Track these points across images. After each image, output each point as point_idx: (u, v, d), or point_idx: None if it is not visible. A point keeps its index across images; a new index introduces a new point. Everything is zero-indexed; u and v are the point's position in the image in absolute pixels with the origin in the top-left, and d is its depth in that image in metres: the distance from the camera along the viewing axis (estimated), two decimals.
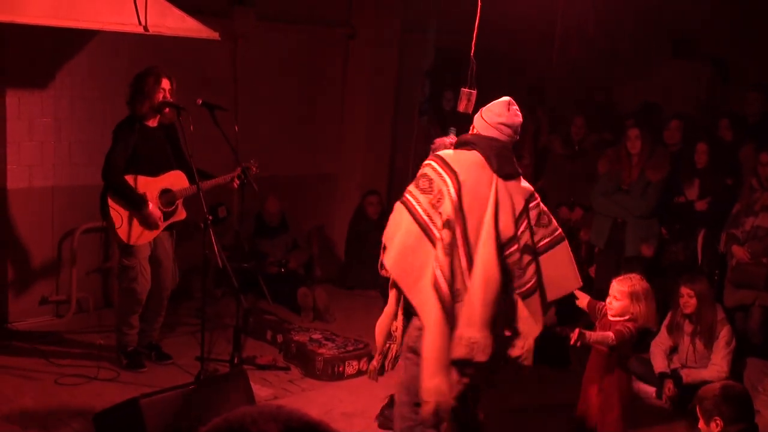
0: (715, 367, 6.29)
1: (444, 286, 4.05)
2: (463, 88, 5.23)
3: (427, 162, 4.27)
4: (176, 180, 6.26)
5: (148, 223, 6.12)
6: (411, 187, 4.19)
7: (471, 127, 4.43)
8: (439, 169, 4.16)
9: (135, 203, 6.04)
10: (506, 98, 4.37)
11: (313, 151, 9.38)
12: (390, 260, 4.16)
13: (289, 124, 9.06)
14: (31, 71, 7.06)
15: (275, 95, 8.83)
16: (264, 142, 8.38)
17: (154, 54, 7.16)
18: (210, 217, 5.81)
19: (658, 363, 6.54)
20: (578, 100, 10.07)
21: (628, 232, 7.36)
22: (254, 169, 6.39)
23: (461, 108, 5.28)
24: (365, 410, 5.86)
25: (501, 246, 4.16)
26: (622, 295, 4.98)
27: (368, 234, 8.46)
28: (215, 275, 7.73)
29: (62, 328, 7.18)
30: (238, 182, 6.29)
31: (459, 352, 4.08)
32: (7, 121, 6.93)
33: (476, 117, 4.40)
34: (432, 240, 4.10)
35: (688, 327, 6.44)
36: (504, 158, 4.25)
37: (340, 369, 6.42)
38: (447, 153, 4.29)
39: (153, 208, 6.09)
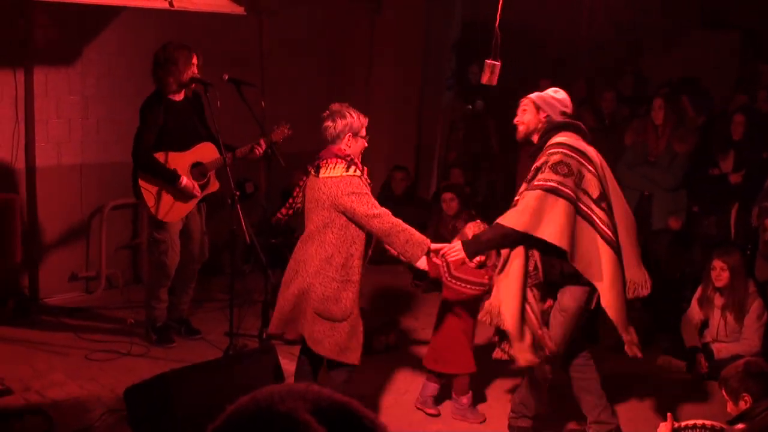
0: (747, 342, 6.24)
1: (611, 238, 4.66)
2: (486, 60, 5.20)
3: (553, 151, 4.69)
4: (206, 152, 6.25)
5: (185, 195, 6.13)
6: (550, 176, 4.60)
7: (531, 114, 4.86)
8: (571, 154, 4.66)
9: (169, 179, 6.05)
10: (556, 89, 4.95)
11: None
12: (554, 236, 4.56)
13: (316, 100, 9.00)
14: (58, 49, 7.07)
15: (301, 71, 8.80)
16: (290, 117, 8.28)
17: (180, 30, 7.15)
18: (237, 193, 5.83)
19: (689, 337, 6.49)
20: (606, 72, 9.95)
21: (654, 205, 7.26)
22: (287, 131, 6.36)
23: (485, 80, 5.26)
24: (393, 386, 5.86)
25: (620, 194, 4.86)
26: None
27: (394, 210, 8.43)
28: (243, 251, 7.75)
29: (92, 304, 7.25)
30: (261, 151, 6.27)
31: (629, 294, 4.73)
32: (35, 99, 6.95)
33: (548, 108, 4.84)
34: (581, 213, 4.64)
35: (718, 300, 6.37)
36: (582, 128, 4.89)
37: (368, 344, 6.41)
38: (562, 140, 4.72)
39: (187, 180, 6.10)
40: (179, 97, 6.16)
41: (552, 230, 4.54)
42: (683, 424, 4.17)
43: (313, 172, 4.80)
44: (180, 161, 6.13)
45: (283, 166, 6.29)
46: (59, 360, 6.05)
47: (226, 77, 6.01)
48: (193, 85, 6.11)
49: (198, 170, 6.21)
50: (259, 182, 8.11)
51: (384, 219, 4.66)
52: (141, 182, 6.06)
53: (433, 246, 4.76)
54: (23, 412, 5.14)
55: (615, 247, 4.65)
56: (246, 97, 5.99)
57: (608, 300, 4.65)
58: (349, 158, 4.72)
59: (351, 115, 4.80)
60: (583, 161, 4.66)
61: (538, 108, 4.83)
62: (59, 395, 5.48)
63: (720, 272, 6.25)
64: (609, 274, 4.64)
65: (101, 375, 5.84)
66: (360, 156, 4.85)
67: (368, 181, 4.82)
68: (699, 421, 4.19)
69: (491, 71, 5.24)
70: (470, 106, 9.72)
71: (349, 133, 4.76)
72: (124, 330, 6.54)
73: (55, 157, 7.15)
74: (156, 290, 6.39)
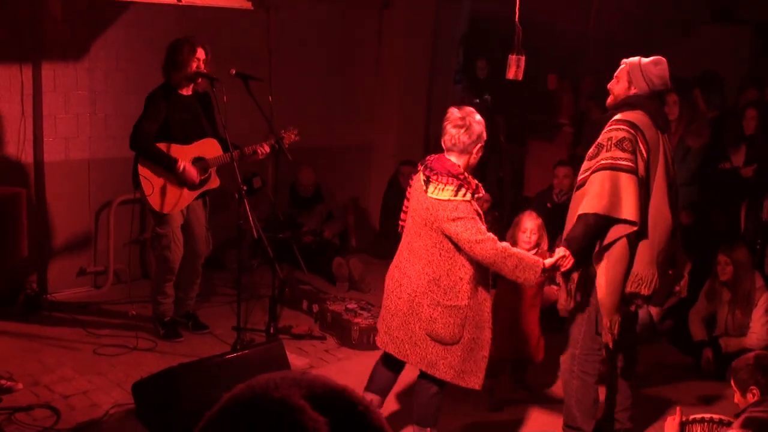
0: (755, 335, 6.23)
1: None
2: (511, 55, 5.19)
3: (616, 127, 4.59)
4: (209, 148, 6.25)
5: (183, 183, 6.12)
6: (616, 154, 4.52)
7: (622, 87, 4.76)
8: (632, 132, 4.55)
9: (167, 165, 6.04)
10: (658, 57, 4.77)
11: (348, 121, 9.35)
12: (632, 214, 4.50)
13: (324, 94, 9.03)
14: (67, 44, 7.08)
15: (309, 65, 8.80)
16: (298, 112, 8.36)
17: (188, 25, 7.17)
18: (245, 188, 5.84)
19: (696, 331, 6.48)
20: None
21: None
22: (294, 136, 6.39)
23: (510, 75, 5.25)
24: (400, 379, 5.85)
25: (670, 193, 4.67)
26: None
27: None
28: (251, 246, 7.76)
29: (100, 298, 7.26)
30: (263, 152, 6.28)
31: (629, 287, 4.62)
32: (43, 94, 6.97)
33: (640, 84, 4.70)
34: None
35: (726, 295, 6.36)
36: (662, 115, 4.81)
37: (376, 338, 6.41)
38: (625, 117, 4.61)
39: (187, 166, 6.08)
40: (187, 91, 6.17)
41: (629, 209, 4.50)
42: (691, 417, 4.16)
43: (423, 182, 4.51)
44: (181, 154, 6.12)
45: (290, 161, 6.30)
46: (68, 355, 6.07)
47: (234, 72, 6.01)
48: (200, 80, 6.12)
49: (200, 165, 6.20)
50: (267, 177, 8.11)
51: (488, 245, 4.34)
52: (140, 170, 6.05)
53: (547, 263, 4.55)
54: (31, 406, 5.17)
55: (630, 233, 4.59)
56: (253, 92, 6.00)
57: (600, 279, 4.63)
58: (462, 177, 4.41)
59: (481, 122, 4.54)
60: (639, 141, 4.56)
61: (630, 82, 4.74)
62: (68, 390, 5.50)
63: (724, 266, 6.25)
64: (614, 255, 4.60)
65: (109, 370, 5.86)
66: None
67: (481, 195, 4.55)
68: (707, 415, 4.18)
69: (517, 65, 5.24)
70: (478, 100, 9.71)
71: (480, 144, 4.53)
72: (133, 325, 6.56)
73: (64, 153, 7.17)
74: (161, 285, 6.41)
